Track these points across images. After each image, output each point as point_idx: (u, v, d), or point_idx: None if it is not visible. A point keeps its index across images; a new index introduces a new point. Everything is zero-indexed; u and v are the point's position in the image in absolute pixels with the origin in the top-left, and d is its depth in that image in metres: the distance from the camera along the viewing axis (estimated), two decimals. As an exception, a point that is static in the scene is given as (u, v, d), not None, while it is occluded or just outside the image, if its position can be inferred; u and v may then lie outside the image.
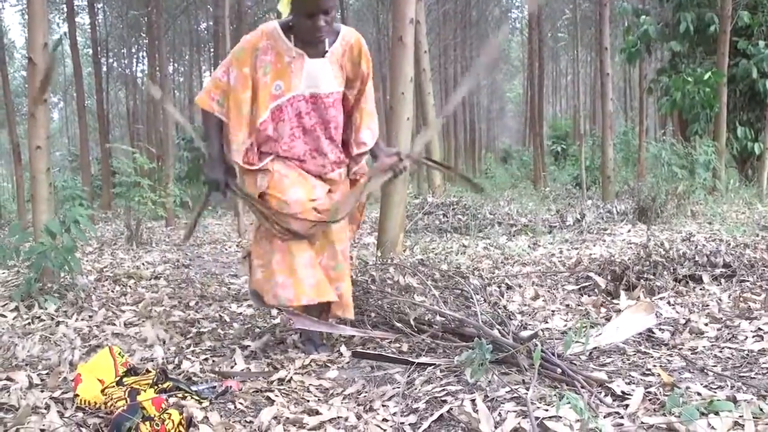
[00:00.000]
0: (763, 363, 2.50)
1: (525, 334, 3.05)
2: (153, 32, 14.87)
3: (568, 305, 3.76)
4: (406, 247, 6.01)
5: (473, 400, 2.27)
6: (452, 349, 2.91)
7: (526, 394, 2.22)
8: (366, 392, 2.55)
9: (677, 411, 1.99)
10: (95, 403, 2.40)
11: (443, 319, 3.26)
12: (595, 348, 2.77)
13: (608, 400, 2.19)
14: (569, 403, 1.88)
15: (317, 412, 2.36)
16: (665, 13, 12.97)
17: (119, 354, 2.74)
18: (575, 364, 2.57)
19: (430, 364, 2.75)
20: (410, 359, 2.84)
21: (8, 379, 2.71)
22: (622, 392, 2.24)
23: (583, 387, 2.27)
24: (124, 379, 2.59)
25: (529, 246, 6.11)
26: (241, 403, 2.48)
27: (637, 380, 2.38)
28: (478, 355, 2.36)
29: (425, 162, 3.78)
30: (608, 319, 3.30)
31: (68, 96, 35.15)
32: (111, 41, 26.63)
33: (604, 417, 2.04)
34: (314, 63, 2.98)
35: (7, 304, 4.19)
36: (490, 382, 2.42)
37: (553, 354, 2.55)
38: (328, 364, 2.97)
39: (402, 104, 4.99)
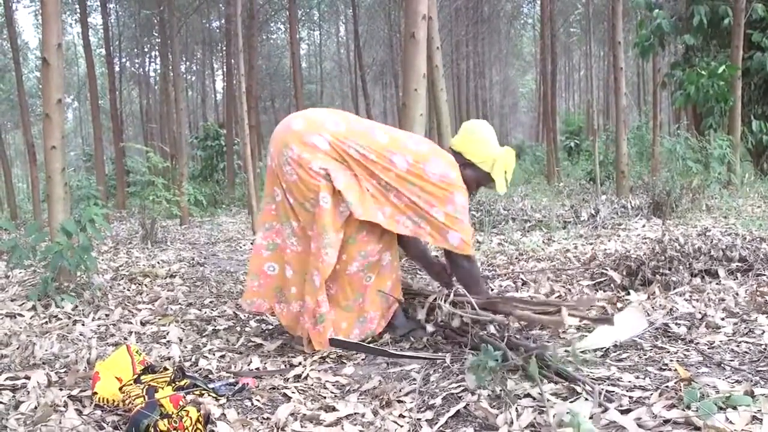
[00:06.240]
0: (781, 357, 2.49)
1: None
2: (165, 31, 14.89)
3: (583, 301, 3.74)
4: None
5: (490, 396, 2.27)
6: (464, 347, 2.91)
7: (540, 393, 2.22)
8: (382, 388, 2.56)
9: (695, 405, 1.98)
10: (113, 401, 2.42)
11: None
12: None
13: (625, 398, 2.19)
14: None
15: (334, 409, 2.37)
16: (678, 7, 12.87)
17: (137, 352, 2.76)
18: (587, 361, 2.57)
19: (441, 358, 2.77)
20: (425, 356, 2.85)
21: (27, 377, 2.74)
22: (640, 387, 2.23)
23: (589, 389, 2.23)
24: (142, 377, 2.61)
25: (543, 241, 6.08)
26: (258, 400, 2.49)
27: (654, 375, 2.37)
28: (483, 361, 2.34)
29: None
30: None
31: (82, 96, 35.27)
32: (124, 41, 26.72)
33: (622, 413, 2.04)
34: None
35: (24, 303, 4.23)
36: (512, 391, 2.42)
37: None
38: (344, 361, 2.98)
39: (415, 100, 4.98)
